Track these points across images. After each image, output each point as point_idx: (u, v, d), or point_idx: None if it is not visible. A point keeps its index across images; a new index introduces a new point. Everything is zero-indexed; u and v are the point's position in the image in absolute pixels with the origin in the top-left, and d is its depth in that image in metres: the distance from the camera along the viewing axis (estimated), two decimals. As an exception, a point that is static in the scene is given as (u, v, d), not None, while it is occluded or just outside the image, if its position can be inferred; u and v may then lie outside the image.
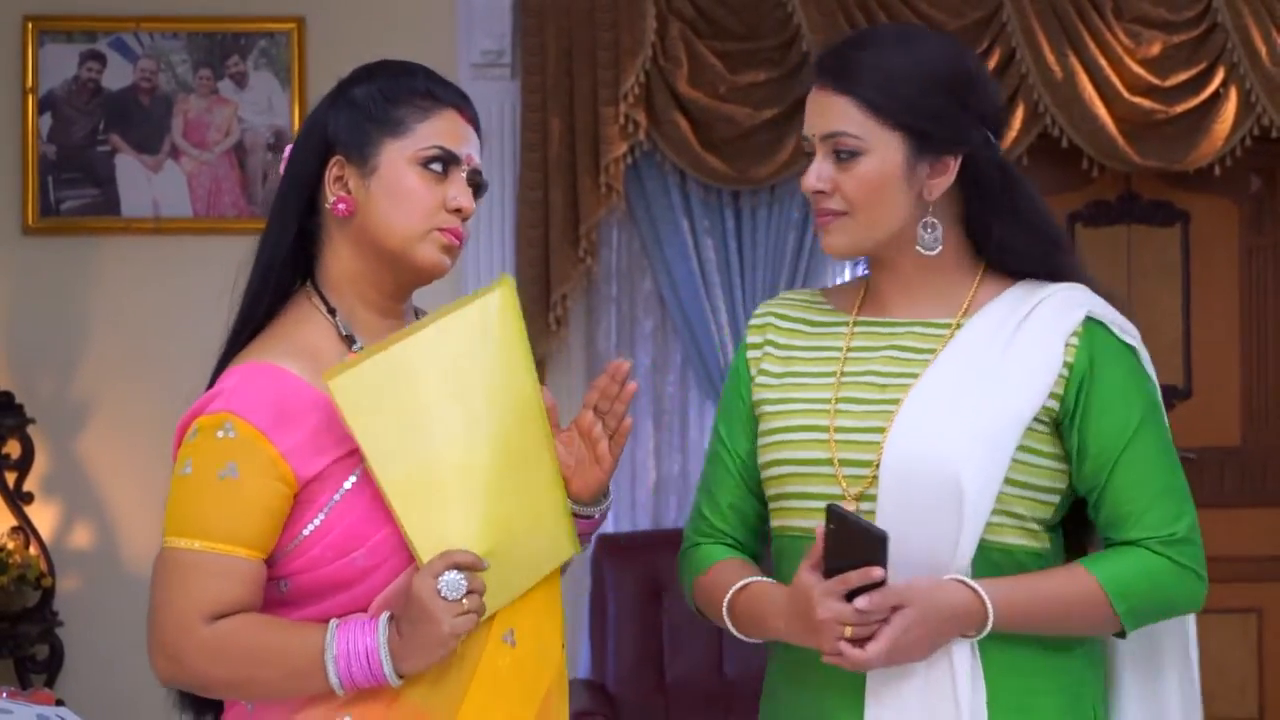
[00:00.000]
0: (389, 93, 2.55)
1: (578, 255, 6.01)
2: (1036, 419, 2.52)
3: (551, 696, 2.56)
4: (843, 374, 2.62)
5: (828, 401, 2.61)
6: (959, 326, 2.58)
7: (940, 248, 2.57)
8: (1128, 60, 6.06)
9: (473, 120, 2.60)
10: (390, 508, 2.40)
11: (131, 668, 5.85)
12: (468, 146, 2.57)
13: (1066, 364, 2.53)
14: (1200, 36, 6.09)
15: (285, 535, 2.44)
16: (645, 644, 5.90)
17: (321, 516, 2.42)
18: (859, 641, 2.44)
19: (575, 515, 2.61)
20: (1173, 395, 6.39)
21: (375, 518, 2.42)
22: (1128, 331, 2.56)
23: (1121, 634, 2.59)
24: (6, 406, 5.83)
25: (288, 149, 2.62)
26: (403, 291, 2.60)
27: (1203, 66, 6.07)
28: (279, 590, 2.46)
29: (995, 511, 2.50)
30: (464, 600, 2.36)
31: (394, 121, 2.53)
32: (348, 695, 2.40)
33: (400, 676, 2.39)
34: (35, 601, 5.81)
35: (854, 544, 2.42)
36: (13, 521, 5.83)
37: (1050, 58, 6.02)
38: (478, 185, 2.59)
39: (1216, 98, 6.07)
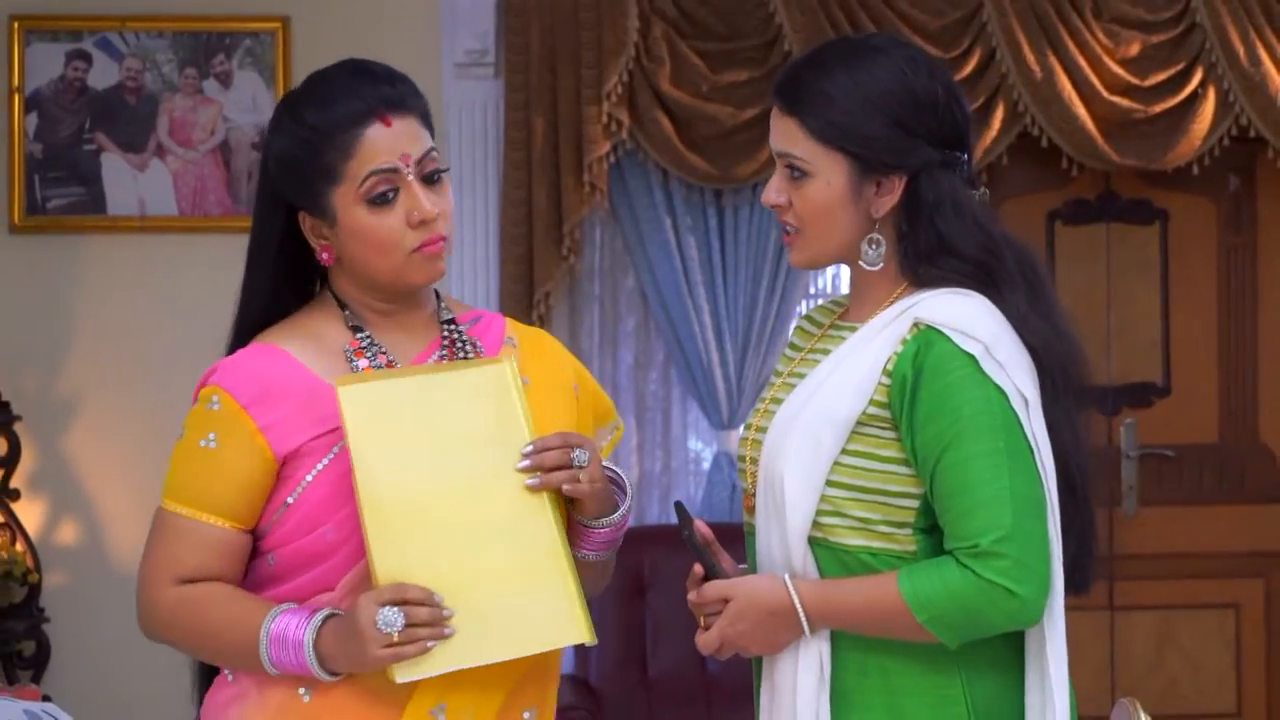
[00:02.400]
0: (307, 144, 2.51)
1: (561, 253, 6.04)
2: (862, 423, 2.52)
3: (529, 681, 2.58)
4: (787, 375, 2.70)
5: (764, 401, 2.70)
6: (855, 330, 2.62)
7: (883, 264, 2.61)
8: (1107, 60, 6.09)
9: (399, 106, 2.52)
10: (362, 523, 2.43)
11: (118, 663, 5.90)
12: (401, 147, 2.51)
13: (886, 371, 2.52)
14: (1179, 37, 6.13)
15: (269, 508, 2.52)
16: (628, 640, 5.92)
17: (299, 491, 2.50)
18: None
19: (586, 529, 2.60)
20: (1151, 393, 6.43)
21: (341, 495, 2.47)
22: (973, 338, 2.50)
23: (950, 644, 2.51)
24: (-7, 404, 5.85)
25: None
26: (404, 297, 2.61)
27: (1181, 66, 6.12)
28: (268, 564, 2.54)
29: (827, 512, 2.54)
30: (395, 635, 2.37)
31: (325, 169, 2.51)
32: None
33: (333, 674, 2.44)
34: (22, 598, 5.83)
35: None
36: (-1, 518, 5.86)
37: (1030, 57, 6.06)
38: (436, 173, 2.55)
39: (1195, 97, 6.12)
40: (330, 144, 2.50)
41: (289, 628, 2.45)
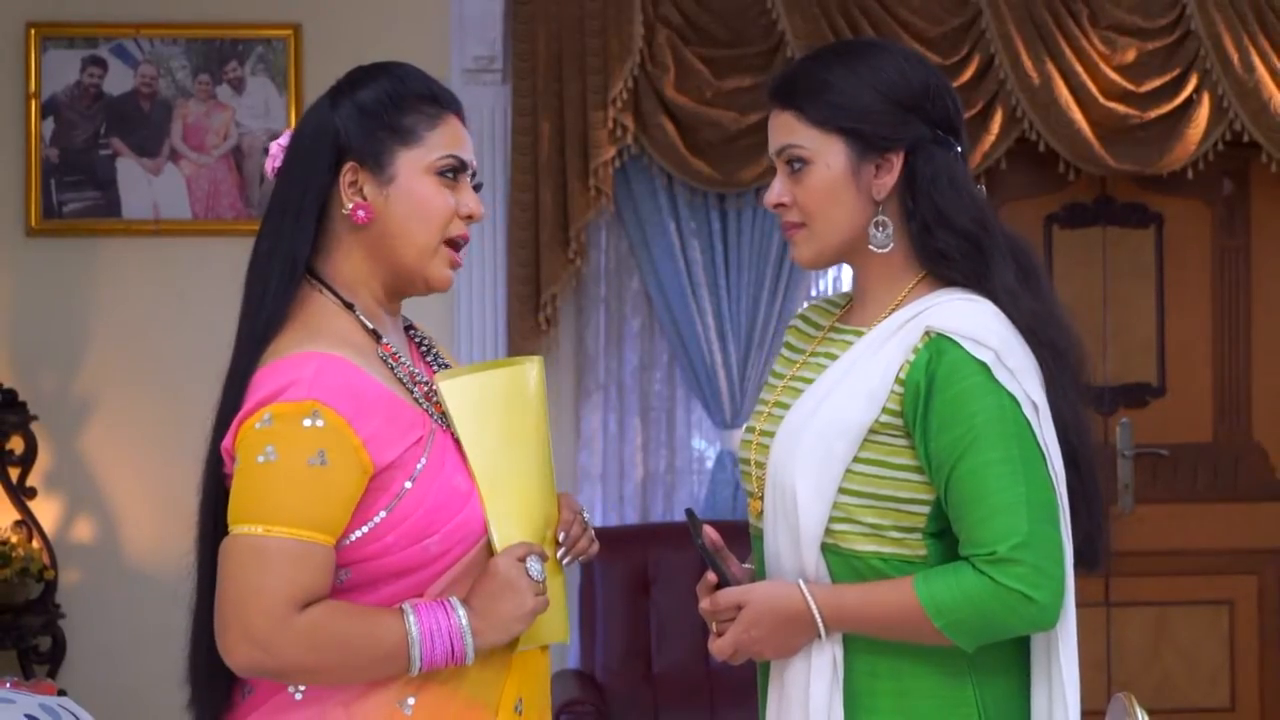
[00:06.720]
0: (397, 99, 2.54)
1: (567, 256, 6.10)
2: (875, 431, 2.53)
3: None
4: (790, 379, 2.71)
5: (766, 404, 2.72)
6: (861, 335, 2.63)
7: (891, 245, 2.62)
8: (1103, 66, 6.16)
9: (465, 122, 2.62)
10: (480, 498, 2.49)
11: (132, 659, 5.97)
12: (470, 151, 2.60)
13: (899, 379, 2.53)
14: (1174, 44, 6.20)
15: (353, 523, 2.44)
16: (633, 636, 5.97)
17: (395, 504, 2.44)
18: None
19: None
20: (1147, 393, 6.49)
21: (448, 506, 2.47)
22: (985, 346, 2.52)
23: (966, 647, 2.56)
24: (10, 403, 5.92)
25: (275, 146, 2.61)
26: (406, 295, 2.64)
27: (1176, 73, 6.18)
28: (337, 580, 2.45)
29: (839, 519, 2.55)
30: (541, 584, 2.47)
31: (405, 130, 2.53)
32: (415, 678, 2.45)
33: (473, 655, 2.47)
34: (38, 594, 5.89)
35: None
36: (16, 515, 5.92)
37: (1028, 64, 6.12)
38: (477, 186, 2.63)
39: (1189, 103, 6.18)
40: (418, 107, 2.55)
41: (436, 622, 2.42)
